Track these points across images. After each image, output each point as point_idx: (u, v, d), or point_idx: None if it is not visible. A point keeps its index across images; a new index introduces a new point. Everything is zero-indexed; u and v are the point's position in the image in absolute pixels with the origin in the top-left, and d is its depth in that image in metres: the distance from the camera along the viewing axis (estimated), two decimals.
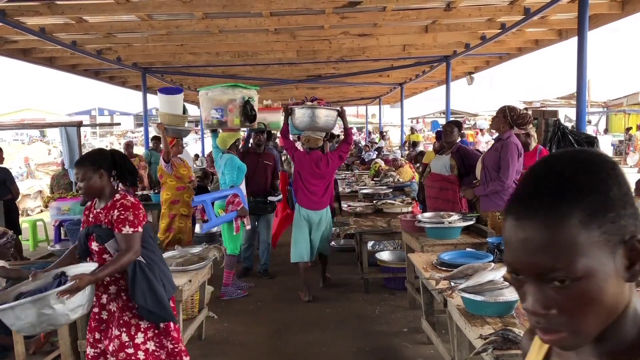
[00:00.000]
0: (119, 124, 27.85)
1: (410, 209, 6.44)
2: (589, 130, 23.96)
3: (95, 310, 2.90)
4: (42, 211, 11.89)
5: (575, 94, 6.41)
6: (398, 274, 5.71)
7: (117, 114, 55.66)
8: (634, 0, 7.10)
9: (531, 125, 6.03)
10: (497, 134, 5.02)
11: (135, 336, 2.83)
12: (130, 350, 2.80)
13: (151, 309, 2.76)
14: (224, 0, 6.71)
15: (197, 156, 15.81)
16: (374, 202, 6.92)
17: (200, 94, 5.59)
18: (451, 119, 11.59)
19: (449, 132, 5.65)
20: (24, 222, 8.61)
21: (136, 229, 2.78)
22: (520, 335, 2.32)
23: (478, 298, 2.68)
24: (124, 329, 2.82)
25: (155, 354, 2.89)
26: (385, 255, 6.15)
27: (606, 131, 22.33)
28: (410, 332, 4.68)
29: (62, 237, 8.04)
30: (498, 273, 2.80)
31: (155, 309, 2.77)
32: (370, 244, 6.54)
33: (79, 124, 9.19)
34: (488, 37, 9.19)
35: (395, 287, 5.81)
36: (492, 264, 2.96)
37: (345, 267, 6.88)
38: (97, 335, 2.91)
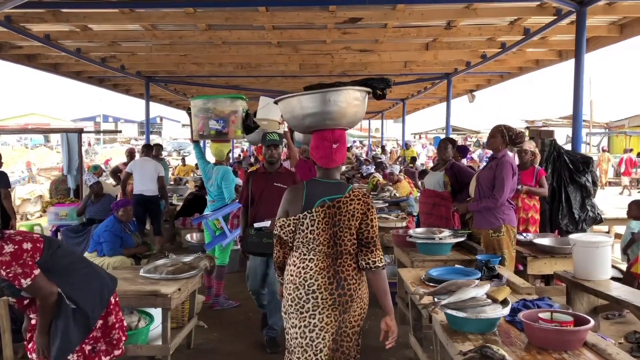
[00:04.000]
0: (120, 131, 28.02)
1: (404, 224, 6.46)
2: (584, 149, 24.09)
3: None
4: (41, 216, 11.93)
5: (578, 114, 6.43)
6: (390, 288, 5.71)
7: (121, 121, 56.03)
8: (632, 24, 7.19)
9: (535, 144, 6.09)
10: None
11: None
12: None
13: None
14: (226, 13, 6.82)
15: (197, 165, 15.86)
16: None
17: (194, 103, 5.59)
18: (452, 135, 11.66)
19: (443, 149, 5.71)
20: (21, 227, 8.65)
21: (31, 277, 2.76)
22: (498, 353, 2.34)
23: (460, 314, 2.71)
24: None
25: None
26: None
27: (627, 153, 22.39)
28: (398, 348, 4.65)
29: None
30: (481, 290, 2.82)
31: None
32: None
33: (80, 131, 9.29)
34: (489, 55, 9.28)
35: None
36: (476, 281, 2.98)
37: None
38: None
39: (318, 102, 2.82)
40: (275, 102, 3.14)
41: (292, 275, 2.80)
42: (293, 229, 2.81)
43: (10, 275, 2.73)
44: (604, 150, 22.91)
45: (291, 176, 4.86)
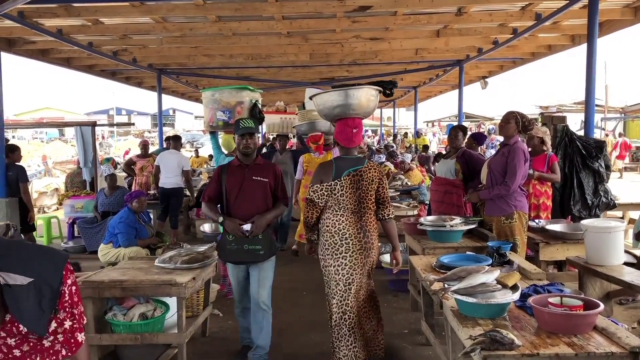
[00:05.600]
0: (133, 124, 28.21)
1: (416, 212, 6.48)
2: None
3: None
4: (58, 209, 12.11)
5: (590, 99, 6.35)
6: (402, 276, 5.73)
7: (134, 113, 56.35)
8: None
9: (548, 131, 6.05)
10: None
11: None
12: None
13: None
14: (236, 4, 6.83)
15: (211, 157, 15.97)
16: None
17: (204, 95, 5.63)
18: (465, 122, 11.59)
19: (454, 137, 5.70)
20: (38, 219, 8.80)
21: None
22: (507, 337, 2.36)
23: (470, 300, 2.73)
24: None
25: None
26: (389, 258, 6.18)
27: (622, 137, 22.35)
28: (410, 334, 4.72)
29: (75, 234, 8.23)
30: (491, 276, 2.84)
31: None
32: None
33: (93, 124, 9.39)
34: (500, 42, 9.19)
35: (399, 289, 5.85)
36: (486, 267, 3.00)
37: None
38: None
39: (343, 97, 3.90)
40: (310, 98, 4.38)
41: (328, 226, 3.73)
42: (325, 193, 3.72)
43: None
44: (606, 135, 22.97)
45: (271, 167, 4.21)
